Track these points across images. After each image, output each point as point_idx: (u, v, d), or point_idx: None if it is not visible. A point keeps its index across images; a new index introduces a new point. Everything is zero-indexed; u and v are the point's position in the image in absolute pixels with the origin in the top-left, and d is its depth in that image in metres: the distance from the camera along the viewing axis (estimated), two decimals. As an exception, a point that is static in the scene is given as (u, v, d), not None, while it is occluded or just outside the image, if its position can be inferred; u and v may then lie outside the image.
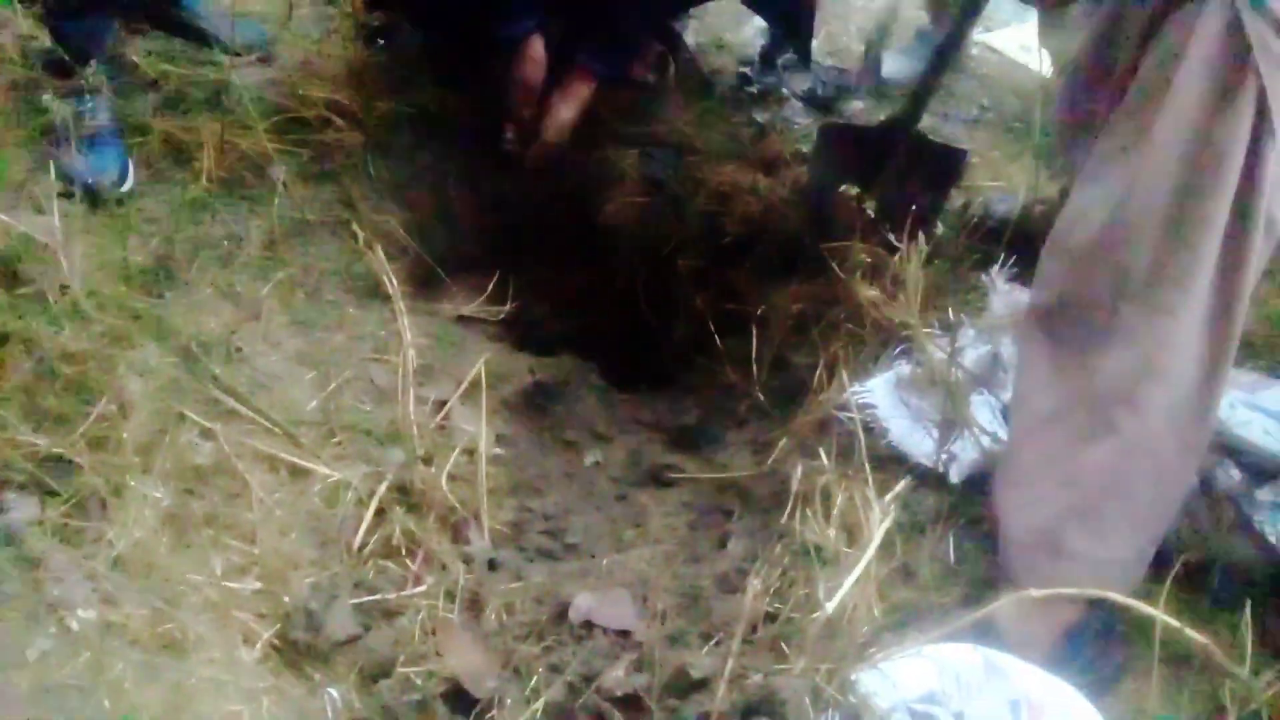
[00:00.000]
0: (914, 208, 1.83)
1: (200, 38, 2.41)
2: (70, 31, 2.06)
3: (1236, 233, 1.31)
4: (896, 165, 2.13)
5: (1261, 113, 1.25)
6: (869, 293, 1.87)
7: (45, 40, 2.07)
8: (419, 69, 2.51)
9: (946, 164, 2.21)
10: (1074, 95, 1.60)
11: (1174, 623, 1.16)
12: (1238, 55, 1.23)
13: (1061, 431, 1.43)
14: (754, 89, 2.69)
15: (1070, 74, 1.62)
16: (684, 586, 1.62)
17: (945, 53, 2.09)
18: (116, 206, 2.03)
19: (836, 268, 2.06)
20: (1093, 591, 1.23)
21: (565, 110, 2.34)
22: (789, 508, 1.66)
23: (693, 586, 1.62)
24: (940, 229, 1.87)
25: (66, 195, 1.94)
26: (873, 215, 1.79)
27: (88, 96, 2.04)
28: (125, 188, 2.08)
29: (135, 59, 2.33)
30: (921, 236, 1.74)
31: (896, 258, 1.90)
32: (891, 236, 1.90)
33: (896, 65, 2.69)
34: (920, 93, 2.15)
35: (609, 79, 2.39)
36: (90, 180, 2.00)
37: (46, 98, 1.95)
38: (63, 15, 2.05)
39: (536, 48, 2.30)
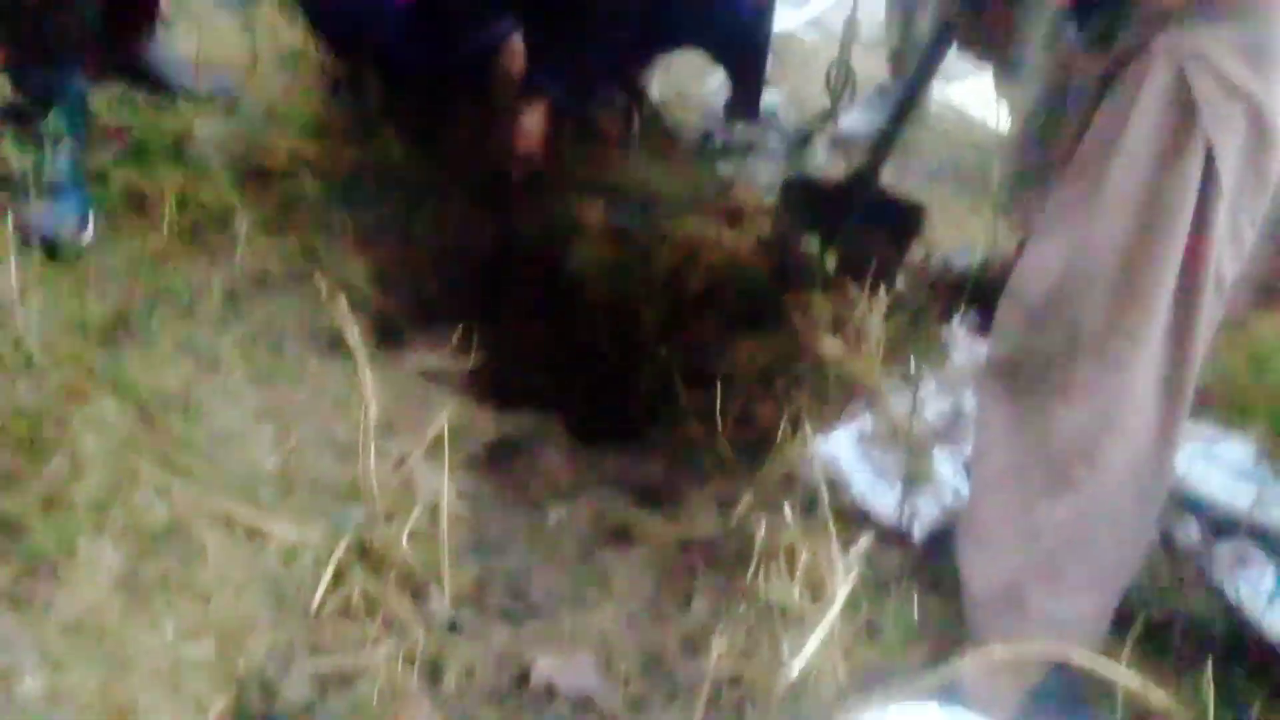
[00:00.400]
0: (874, 261, 1.85)
1: (165, 87, 2.40)
2: (31, 80, 2.04)
3: (1186, 288, 1.32)
4: (857, 219, 2.15)
5: (1209, 169, 1.26)
6: (831, 350, 1.87)
7: (5, 89, 2.05)
8: (383, 119, 2.51)
9: (907, 218, 2.23)
10: (1026, 148, 1.63)
11: (1136, 682, 1.16)
12: (1185, 112, 1.25)
13: (1020, 488, 1.43)
14: (718, 142, 2.71)
15: (1022, 127, 1.64)
16: (648, 648, 1.60)
17: (903, 107, 2.12)
18: (75, 259, 2.00)
19: (800, 320, 2.07)
20: (1055, 650, 1.22)
21: (529, 119, 2.36)
22: (753, 566, 1.65)
23: (657, 648, 1.60)
24: (900, 283, 1.88)
25: (24, 246, 1.91)
26: (832, 270, 1.80)
27: (48, 145, 2.01)
28: (85, 239, 2.06)
29: (95, 108, 2.30)
30: (882, 291, 1.75)
31: (858, 311, 1.91)
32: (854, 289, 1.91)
33: (856, 120, 2.72)
34: (879, 147, 2.18)
35: (563, 106, 2.40)
36: (49, 231, 1.98)
37: (4, 145, 1.92)
38: (23, 63, 2.03)
39: (517, 44, 2.31)
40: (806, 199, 2.27)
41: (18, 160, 1.96)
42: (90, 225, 2.09)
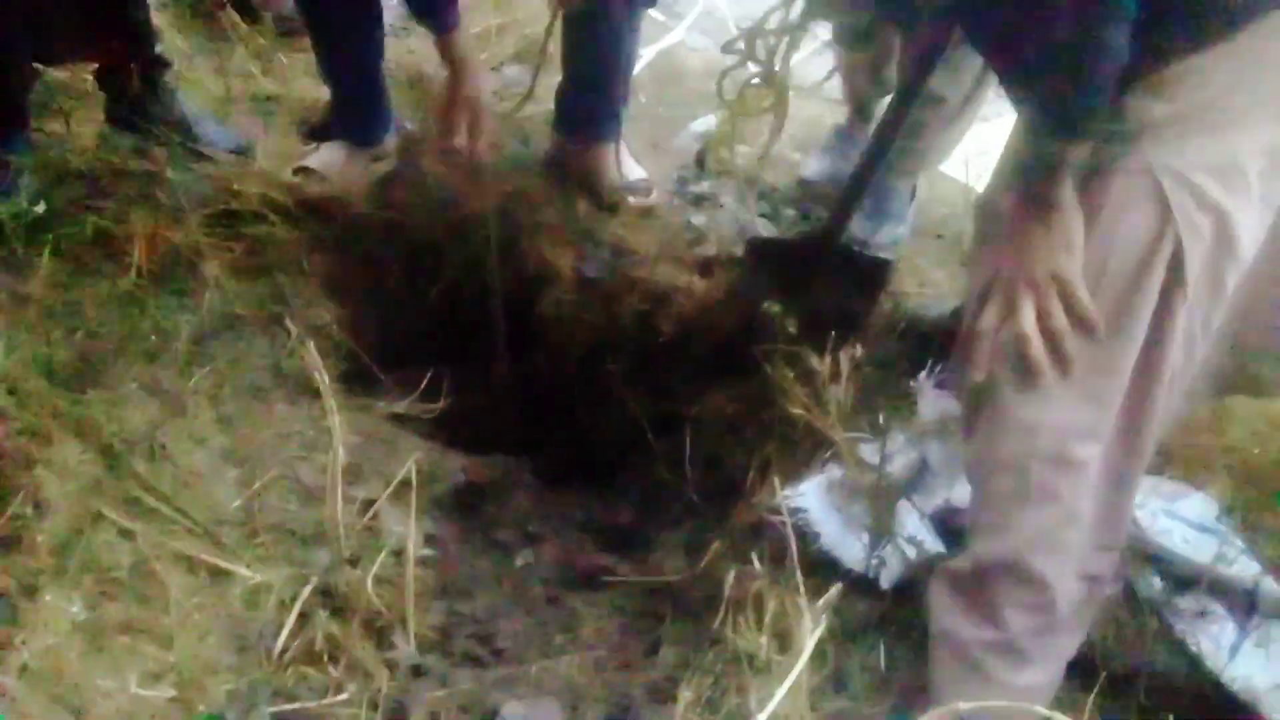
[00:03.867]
0: (840, 322, 1.85)
1: (188, 132, 2.41)
2: None
3: (1143, 385, 1.34)
4: (823, 277, 2.15)
5: (1175, 273, 1.29)
6: (797, 409, 1.88)
7: None
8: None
9: (872, 274, 2.23)
10: (989, 214, 1.63)
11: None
12: (1160, 221, 1.28)
13: (989, 585, 1.43)
14: (689, 191, 2.73)
15: (988, 194, 1.65)
16: (614, 695, 1.60)
17: (864, 169, 2.11)
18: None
19: (769, 369, 2.08)
20: (1023, 706, 1.22)
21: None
22: (721, 613, 1.65)
23: (623, 695, 1.59)
24: (867, 337, 1.88)
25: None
26: (795, 329, 1.80)
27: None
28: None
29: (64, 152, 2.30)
30: (844, 356, 1.75)
31: (826, 363, 1.92)
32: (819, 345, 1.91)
33: (814, 165, 2.73)
34: (843, 207, 2.18)
35: None
36: None
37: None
38: None
39: (474, 71, 2.24)
40: (771, 259, 2.27)
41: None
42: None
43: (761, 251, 2.28)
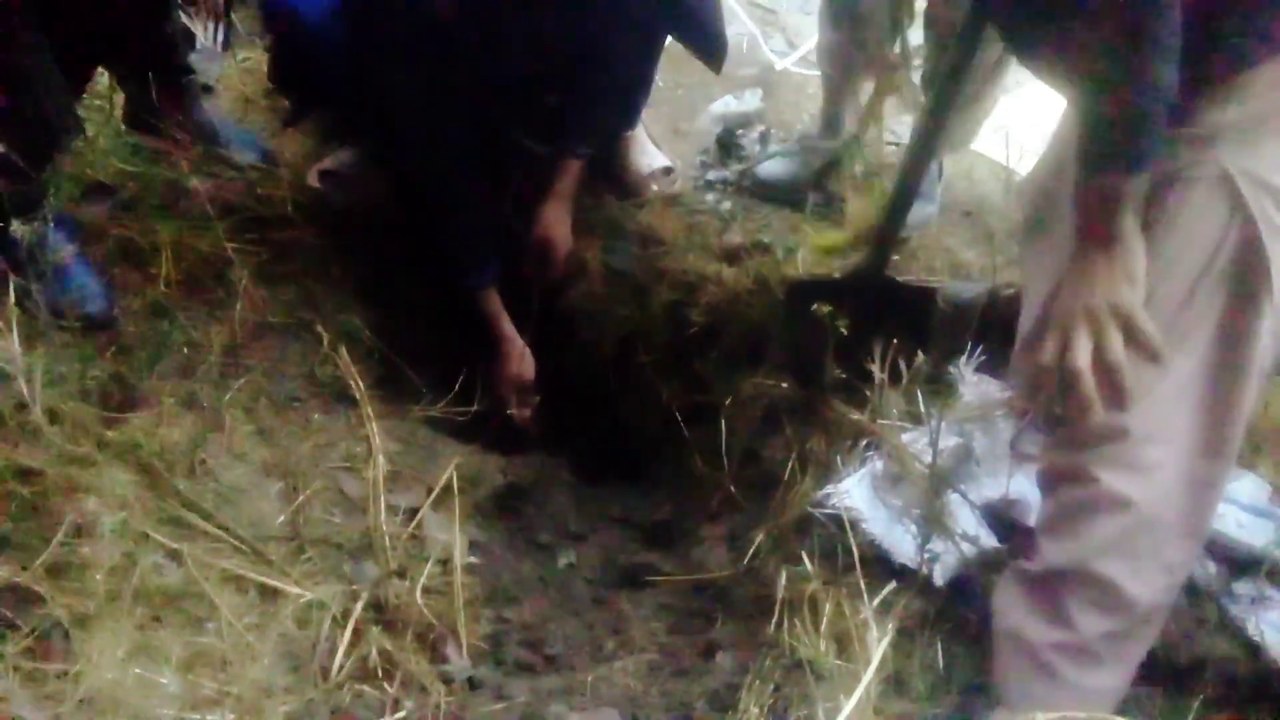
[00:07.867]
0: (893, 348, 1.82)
1: (213, 138, 2.38)
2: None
3: (1224, 387, 1.32)
4: (870, 313, 2.07)
5: (1259, 274, 1.27)
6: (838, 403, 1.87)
7: None
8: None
9: (919, 304, 2.17)
10: (1037, 198, 1.60)
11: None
12: (1225, 220, 1.26)
13: (1059, 588, 1.41)
14: (712, 177, 2.69)
15: (1035, 177, 1.62)
16: (674, 704, 1.59)
17: (899, 201, 2.06)
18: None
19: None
20: (1100, 717, 1.21)
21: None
22: (775, 617, 1.64)
23: (683, 704, 1.58)
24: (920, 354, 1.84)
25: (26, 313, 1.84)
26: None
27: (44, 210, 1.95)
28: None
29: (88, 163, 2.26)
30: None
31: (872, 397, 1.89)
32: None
33: (773, 168, 2.67)
34: (885, 239, 2.11)
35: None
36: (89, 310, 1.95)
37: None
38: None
39: (519, 349, 2.37)
40: (815, 298, 2.17)
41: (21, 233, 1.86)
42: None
43: (805, 293, 2.20)
